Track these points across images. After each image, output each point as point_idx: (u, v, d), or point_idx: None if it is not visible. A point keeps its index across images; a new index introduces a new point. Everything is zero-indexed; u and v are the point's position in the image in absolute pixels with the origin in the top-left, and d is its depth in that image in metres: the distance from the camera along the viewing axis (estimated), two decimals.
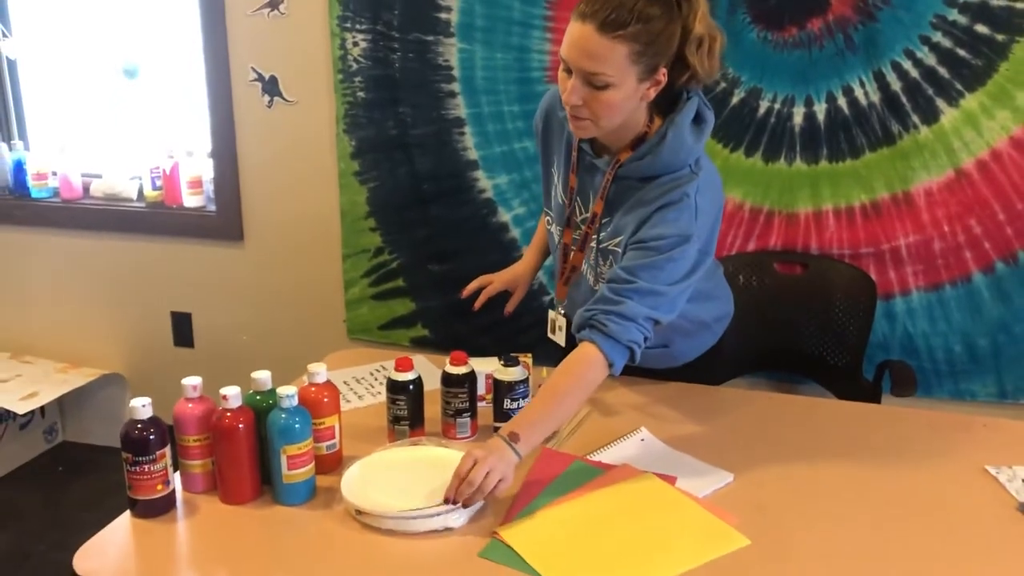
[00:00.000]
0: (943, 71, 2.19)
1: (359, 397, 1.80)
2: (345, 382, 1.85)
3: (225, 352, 3.03)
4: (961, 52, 2.17)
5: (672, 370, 1.84)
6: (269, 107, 2.76)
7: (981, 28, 2.14)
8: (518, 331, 2.66)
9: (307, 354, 2.06)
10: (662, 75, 1.47)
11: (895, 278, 2.35)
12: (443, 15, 2.49)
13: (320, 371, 1.47)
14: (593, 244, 1.64)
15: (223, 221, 2.91)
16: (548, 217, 1.80)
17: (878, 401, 2.24)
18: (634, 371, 1.60)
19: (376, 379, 1.88)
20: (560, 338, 1.85)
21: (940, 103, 2.21)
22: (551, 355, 1.97)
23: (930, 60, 2.19)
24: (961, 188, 2.25)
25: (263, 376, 1.44)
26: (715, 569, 1.27)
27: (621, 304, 1.48)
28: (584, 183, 1.65)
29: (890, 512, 1.40)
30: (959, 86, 2.19)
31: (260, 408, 1.41)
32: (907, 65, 2.21)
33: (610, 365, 1.48)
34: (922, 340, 2.37)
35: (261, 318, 2.98)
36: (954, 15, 2.15)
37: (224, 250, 2.94)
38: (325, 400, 1.46)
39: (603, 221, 1.62)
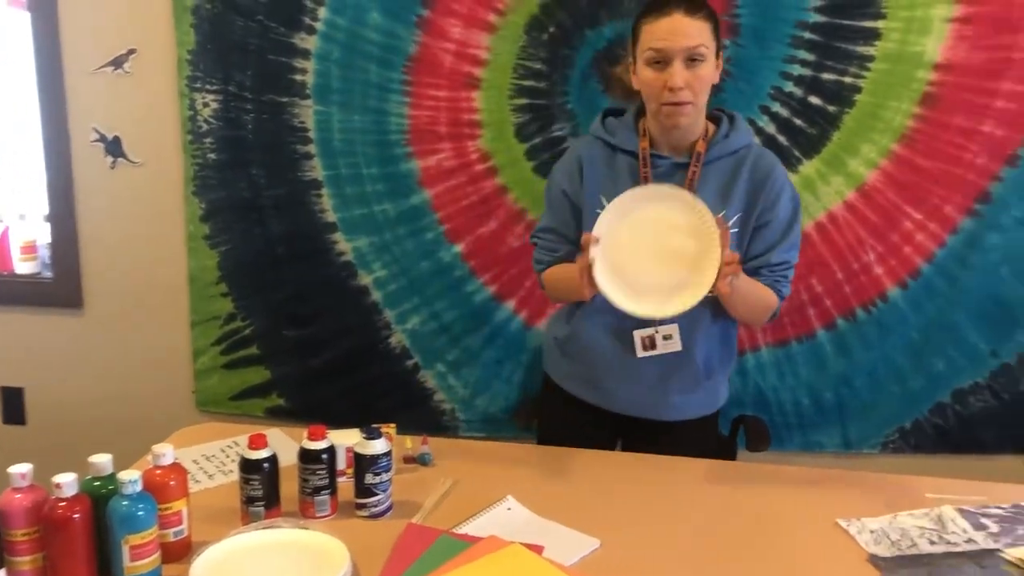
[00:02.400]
0: (783, 139, 2.32)
1: (209, 476, 1.70)
2: (194, 460, 1.74)
3: (61, 429, 2.82)
4: (798, 122, 2.30)
5: (683, 431, 1.94)
6: (112, 168, 2.62)
7: (815, 100, 2.29)
8: (378, 396, 2.60)
9: (153, 428, 1.95)
10: (722, 58, 1.74)
11: (745, 335, 2.44)
12: (298, 77, 2.44)
13: (166, 452, 1.38)
14: None
15: (60, 288, 2.73)
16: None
17: (734, 456, 2.29)
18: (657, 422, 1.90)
19: (228, 456, 1.78)
20: (671, 345, 1.84)
21: None
22: (414, 423, 1.93)
23: (770, 128, 2.31)
24: (802, 249, 2.36)
25: (102, 460, 1.33)
26: None
27: (786, 278, 1.87)
28: None
29: (752, 569, 1.42)
30: (797, 153, 2.32)
31: (99, 495, 1.31)
32: None
33: (773, 315, 1.88)
34: (772, 394, 2.46)
35: (102, 391, 2.79)
36: (790, 87, 2.29)
37: (61, 319, 2.75)
38: (172, 484, 1.37)
39: None
